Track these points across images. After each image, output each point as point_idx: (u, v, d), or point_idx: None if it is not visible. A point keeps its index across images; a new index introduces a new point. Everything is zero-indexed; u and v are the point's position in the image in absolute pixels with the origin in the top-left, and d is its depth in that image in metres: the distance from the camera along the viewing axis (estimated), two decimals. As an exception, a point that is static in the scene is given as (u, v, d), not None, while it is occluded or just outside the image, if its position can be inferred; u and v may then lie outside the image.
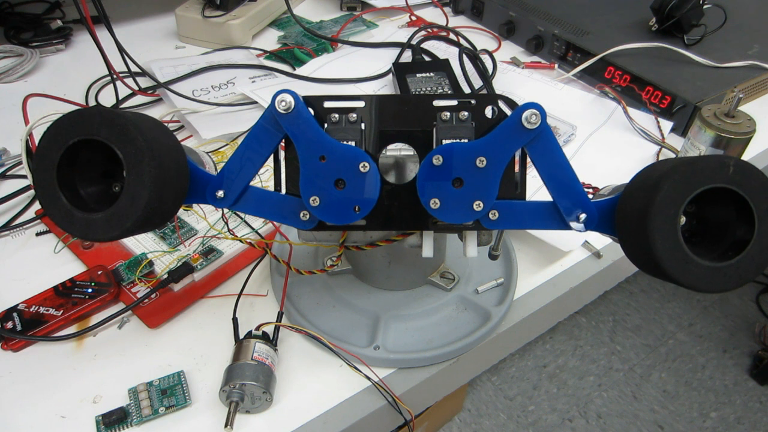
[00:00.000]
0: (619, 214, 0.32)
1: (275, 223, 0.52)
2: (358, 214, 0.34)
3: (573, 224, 0.34)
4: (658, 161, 0.32)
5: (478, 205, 0.33)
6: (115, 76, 0.66)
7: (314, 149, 0.33)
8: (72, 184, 0.31)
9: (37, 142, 0.48)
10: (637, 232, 0.29)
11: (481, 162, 0.33)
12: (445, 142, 0.34)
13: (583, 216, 0.34)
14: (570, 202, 0.34)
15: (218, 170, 0.36)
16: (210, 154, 0.41)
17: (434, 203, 0.33)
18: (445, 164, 0.33)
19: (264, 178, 0.58)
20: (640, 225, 0.29)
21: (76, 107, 0.57)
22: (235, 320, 0.45)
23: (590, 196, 0.35)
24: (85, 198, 0.31)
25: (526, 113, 0.32)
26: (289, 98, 0.33)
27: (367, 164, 0.33)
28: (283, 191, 0.36)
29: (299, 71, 0.77)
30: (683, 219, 0.30)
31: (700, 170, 0.28)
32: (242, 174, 0.35)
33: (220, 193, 0.35)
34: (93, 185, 0.32)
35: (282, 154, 0.36)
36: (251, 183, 0.36)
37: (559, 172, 0.34)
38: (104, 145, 0.29)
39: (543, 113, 0.32)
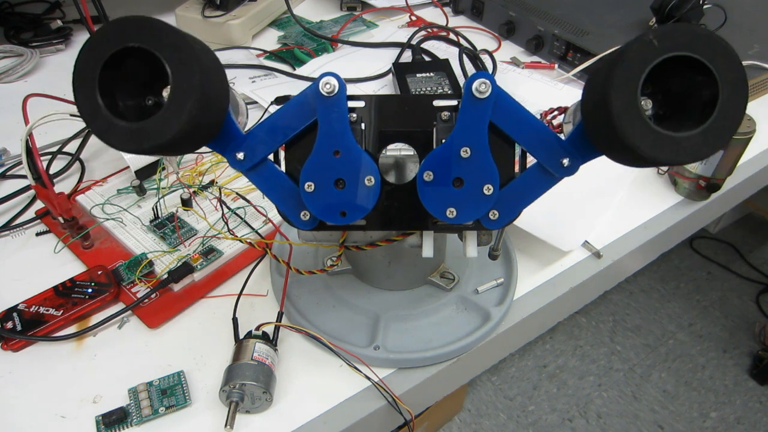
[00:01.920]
0: (589, 131, 0.32)
1: (275, 222, 0.52)
2: (344, 218, 0.34)
3: (561, 172, 0.34)
4: (595, 69, 0.31)
5: (488, 189, 0.33)
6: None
7: (334, 142, 0.33)
8: (111, 96, 0.29)
9: (36, 141, 0.48)
10: (611, 137, 0.29)
11: (465, 152, 0.33)
12: (444, 142, 0.34)
13: (566, 161, 0.34)
14: (548, 152, 0.34)
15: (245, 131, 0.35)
16: (247, 105, 0.40)
17: (450, 212, 0.33)
18: (437, 174, 0.33)
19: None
20: (610, 130, 0.29)
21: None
22: (235, 320, 0.45)
23: (561, 135, 0.35)
24: (123, 111, 0.30)
25: (475, 84, 0.32)
26: (335, 82, 0.32)
27: (372, 179, 0.33)
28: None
29: (299, 71, 0.77)
30: (650, 104, 0.30)
31: (633, 57, 0.28)
32: (265, 144, 0.34)
33: (240, 155, 0.34)
34: (130, 98, 0.30)
35: (282, 154, 0.36)
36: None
37: (528, 129, 0.33)
38: (145, 58, 0.28)
39: (491, 79, 0.32)
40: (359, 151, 0.33)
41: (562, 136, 0.34)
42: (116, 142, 0.29)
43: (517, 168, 0.36)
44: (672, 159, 0.29)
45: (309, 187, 0.34)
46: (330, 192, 0.34)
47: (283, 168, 0.36)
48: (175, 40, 0.28)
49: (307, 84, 0.72)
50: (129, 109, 0.30)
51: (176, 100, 0.28)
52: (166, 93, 0.28)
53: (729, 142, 0.54)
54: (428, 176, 0.33)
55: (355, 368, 0.42)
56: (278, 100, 0.65)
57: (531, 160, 0.35)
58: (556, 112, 0.41)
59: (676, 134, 0.28)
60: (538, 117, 0.38)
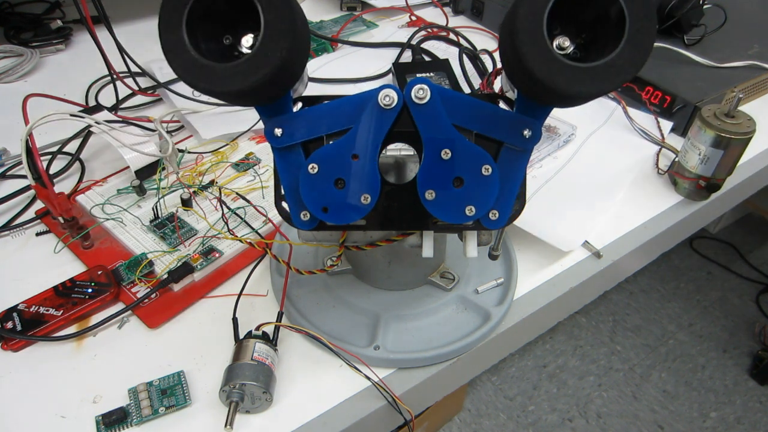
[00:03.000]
0: (513, 81, 0.32)
1: (275, 222, 0.52)
2: (325, 214, 0.34)
3: (526, 144, 0.34)
4: (504, 20, 0.31)
5: (486, 170, 0.33)
6: (115, 76, 0.66)
7: (363, 148, 0.33)
8: (195, 35, 0.29)
9: (36, 141, 0.48)
10: (532, 82, 0.29)
11: (446, 154, 0.33)
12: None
13: (526, 132, 0.33)
14: (507, 129, 0.33)
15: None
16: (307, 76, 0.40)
17: (470, 210, 0.33)
18: (437, 188, 0.33)
19: (264, 179, 0.58)
20: (528, 75, 0.29)
21: (77, 107, 0.57)
22: (235, 320, 0.45)
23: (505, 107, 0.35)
24: (205, 53, 0.30)
25: (413, 91, 0.32)
26: (395, 96, 0.33)
27: (368, 198, 0.33)
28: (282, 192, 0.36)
29: (299, 71, 0.77)
30: (567, 41, 0.30)
31: None
32: (308, 129, 0.34)
33: (278, 131, 0.34)
34: (212, 41, 0.30)
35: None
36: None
37: (478, 115, 0.33)
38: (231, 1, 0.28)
39: (428, 82, 0.32)
40: (374, 169, 0.33)
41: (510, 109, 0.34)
42: (204, 84, 0.29)
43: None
44: (593, 90, 0.28)
45: (312, 168, 0.33)
46: (327, 183, 0.33)
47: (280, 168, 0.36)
48: None
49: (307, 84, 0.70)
50: (210, 50, 0.30)
51: (271, 41, 0.28)
52: (246, 40, 0.29)
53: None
54: (430, 195, 0.33)
55: (355, 368, 0.42)
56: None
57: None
58: (492, 75, 0.41)
59: (591, 64, 0.28)
60: (479, 90, 0.38)
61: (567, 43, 0.30)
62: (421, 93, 0.32)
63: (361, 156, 0.33)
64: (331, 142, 0.34)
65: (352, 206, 0.34)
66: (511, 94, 0.35)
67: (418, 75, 0.71)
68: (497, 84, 0.39)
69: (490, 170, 0.33)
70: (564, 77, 0.28)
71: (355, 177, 0.33)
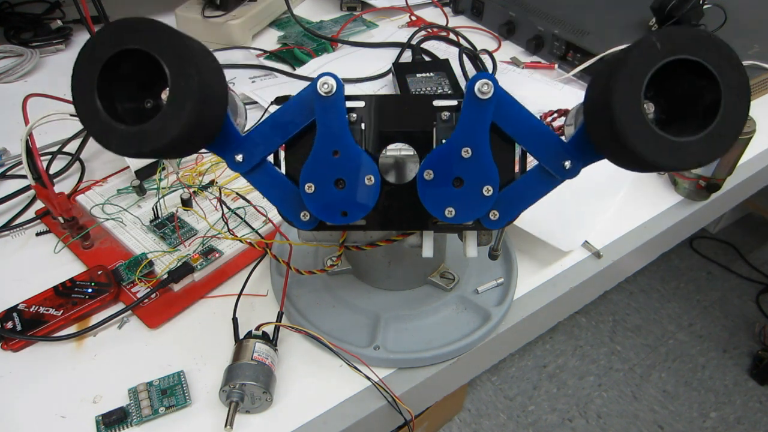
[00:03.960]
0: (591, 134, 0.32)
1: (275, 222, 0.52)
2: (345, 217, 0.34)
3: (562, 174, 0.34)
4: (597, 71, 0.31)
5: (488, 191, 0.33)
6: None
7: (333, 142, 0.33)
8: (108, 89, 0.29)
9: (36, 141, 0.48)
10: (614, 141, 0.29)
11: (466, 152, 0.33)
12: (445, 142, 0.34)
13: (567, 163, 0.34)
14: (550, 154, 0.34)
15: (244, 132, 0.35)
16: (246, 105, 0.40)
17: (449, 212, 0.33)
18: (437, 173, 0.33)
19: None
20: (612, 133, 0.28)
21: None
22: (235, 320, 0.45)
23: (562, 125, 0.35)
24: (122, 114, 0.30)
25: (478, 85, 0.32)
26: (332, 82, 0.32)
27: (372, 178, 0.33)
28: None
29: (299, 71, 0.77)
30: (652, 107, 0.29)
31: (637, 60, 0.28)
32: (264, 145, 0.34)
33: (239, 157, 0.34)
34: (127, 95, 0.30)
35: (282, 154, 0.36)
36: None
37: (529, 131, 0.33)
38: (143, 60, 0.28)
39: (493, 80, 0.32)
40: (358, 151, 0.33)
41: (563, 138, 0.34)
42: (115, 146, 0.29)
43: (516, 168, 0.36)
44: (673, 164, 0.28)
45: (309, 188, 0.34)
46: (330, 192, 0.34)
47: (283, 168, 0.36)
48: (174, 41, 0.28)
49: (307, 84, 0.71)
50: (128, 112, 0.30)
51: (176, 102, 0.28)
52: (165, 95, 0.28)
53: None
54: (428, 175, 0.33)
55: (355, 368, 0.42)
56: (278, 100, 0.65)
57: (531, 161, 0.35)
58: (555, 114, 0.41)
59: (678, 139, 0.28)
60: (538, 118, 0.38)
61: (651, 108, 0.30)
62: (485, 88, 0.32)
63: (339, 149, 0.33)
64: (310, 156, 0.33)
65: (363, 194, 0.33)
66: (570, 130, 0.35)
67: (417, 75, 0.71)
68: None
69: (491, 192, 0.33)
70: (653, 148, 0.28)
71: (347, 168, 0.33)
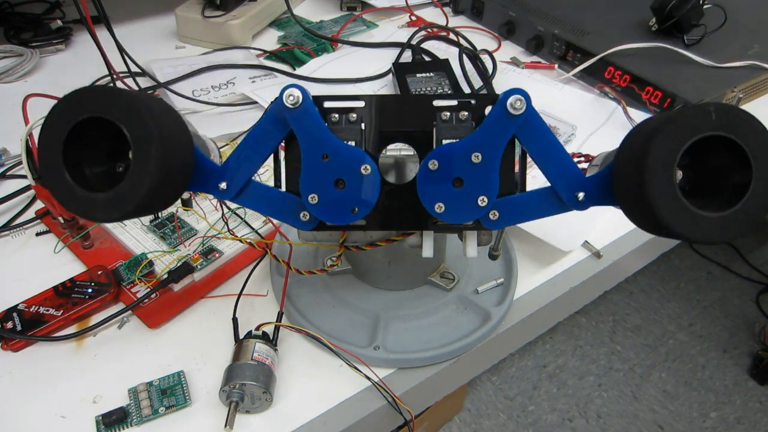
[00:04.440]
0: (616, 182, 0.31)
1: (275, 222, 0.52)
2: (356, 215, 0.34)
3: (573, 205, 0.34)
4: (641, 122, 0.31)
5: (482, 201, 0.33)
6: (115, 76, 0.66)
7: (318, 147, 0.33)
8: (77, 162, 0.30)
9: (37, 140, 0.48)
10: (637, 198, 0.29)
11: (476, 157, 0.33)
12: (445, 142, 0.34)
13: (581, 195, 0.33)
14: (566, 182, 0.34)
15: (223, 161, 0.35)
16: (215, 140, 0.40)
17: (439, 207, 0.33)
18: (441, 167, 0.33)
19: (264, 178, 0.58)
20: (639, 191, 0.28)
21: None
22: (235, 320, 0.45)
23: (583, 168, 0.35)
24: (89, 177, 0.30)
25: (511, 99, 0.32)
26: (297, 93, 0.33)
27: (368, 167, 0.33)
28: (283, 189, 0.36)
29: (299, 71, 0.77)
30: (680, 174, 0.29)
31: (685, 123, 0.28)
32: (245, 167, 0.34)
33: (223, 185, 0.34)
34: (97, 164, 0.31)
35: (282, 154, 0.36)
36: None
37: (551, 155, 0.33)
38: (113, 124, 0.29)
39: (527, 97, 0.32)
40: (346, 147, 0.33)
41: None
42: (100, 215, 0.29)
43: (516, 168, 0.36)
44: (692, 236, 0.28)
45: (313, 199, 0.34)
46: (333, 195, 0.34)
47: (283, 168, 0.36)
48: (126, 101, 0.28)
49: (307, 84, 0.71)
50: (100, 177, 0.31)
51: (141, 157, 0.28)
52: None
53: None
54: (433, 165, 0.33)
55: (355, 368, 0.42)
56: (278, 100, 0.65)
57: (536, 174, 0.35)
58: (582, 159, 0.41)
59: (702, 212, 0.28)
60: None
61: (679, 175, 0.29)
62: (518, 104, 0.32)
63: (327, 152, 0.33)
64: (302, 169, 0.34)
65: (366, 188, 0.33)
66: (592, 170, 0.35)
67: (417, 75, 0.71)
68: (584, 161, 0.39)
69: (485, 203, 0.33)
70: (676, 216, 0.28)
71: (342, 167, 0.33)
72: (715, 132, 0.28)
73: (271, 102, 0.34)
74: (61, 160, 0.29)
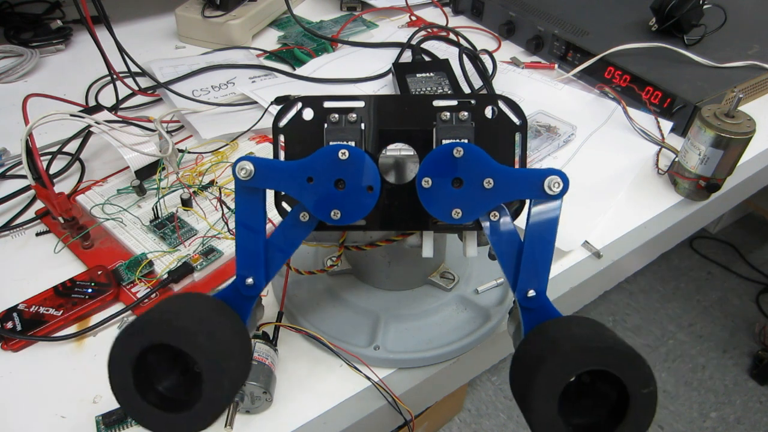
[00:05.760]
0: (511, 374, 0.32)
1: (275, 222, 0.52)
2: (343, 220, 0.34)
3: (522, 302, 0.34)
4: (532, 336, 0.33)
5: (456, 213, 0.33)
6: (115, 76, 0.66)
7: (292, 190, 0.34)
8: (149, 383, 0.30)
9: (36, 141, 0.48)
10: (522, 409, 0.31)
11: (488, 183, 0.33)
12: (445, 142, 0.34)
13: (531, 292, 0.34)
14: (530, 277, 0.34)
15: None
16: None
17: (426, 182, 0.33)
18: (461, 160, 0.33)
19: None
20: (523, 407, 0.30)
21: (77, 107, 0.57)
22: (235, 320, 0.45)
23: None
24: (163, 392, 0.31)
25: (549, 179, 0.32)
26: (250, 166, 0.33)
27: (346, 152, 0.32)
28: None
29: (299, 71, 0.77)
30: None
31: (566, 359, 0.29)
32: (276, 258, 0.34)
33: (250, 281, 0.34)
34: (167, 377, 0.31)
35: (282, 154, 0.36)
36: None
37: (541, 250, 0.34)
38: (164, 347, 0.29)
39: (566, 182, 0.32)
40: (313, 158, 0.33)
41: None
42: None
43: (516, 165, 0.36)
44: None
45: (335, 215, 0.33)
46: (331, 192, 0.33)
47: (282, 159, 0.36)
48: (196, 337, 0.28)
49: (307, 84, 0.71)
50: (173, 389, 0.31)
51: (213, 386, 0.29)
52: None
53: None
54: (458, 152, 0.32)
55: (355, 368, 0.42)
56: (278, 100, 0.65)
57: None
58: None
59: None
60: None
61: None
62: (556, 187, 0.33)
63: (312, 174, 0.33)
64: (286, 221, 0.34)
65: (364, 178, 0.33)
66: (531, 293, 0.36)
67: (417, 75, 0.71)
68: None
69: (492, 183, 0.33)
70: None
71: (326, 169, 0.33)
72: (586, 368, 0.28)
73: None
74: (135, 391, 0.29)
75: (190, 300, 0.31)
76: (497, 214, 0.34)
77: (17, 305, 0.45)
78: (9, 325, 0.44)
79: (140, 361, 0.29)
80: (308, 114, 0.36)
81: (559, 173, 0.32)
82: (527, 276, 0.34)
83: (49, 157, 0.61)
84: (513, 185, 0.33)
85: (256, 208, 0.34)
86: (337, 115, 0.35)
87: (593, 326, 0.31)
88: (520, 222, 0.35)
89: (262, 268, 0.34)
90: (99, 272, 0.48)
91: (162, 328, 0.28)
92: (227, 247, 0.50)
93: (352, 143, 0.34)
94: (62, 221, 0.50)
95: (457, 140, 0.34)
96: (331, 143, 0.34)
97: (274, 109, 0.64)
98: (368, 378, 0.41)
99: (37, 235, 0.53)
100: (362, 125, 0.35)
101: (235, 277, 0.34)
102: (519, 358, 0.32)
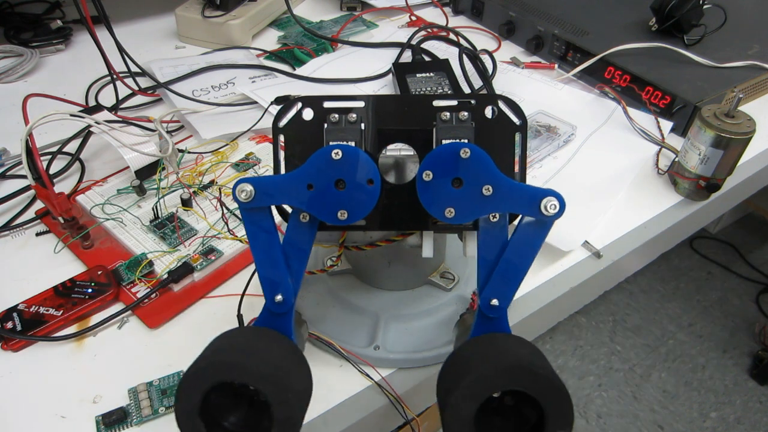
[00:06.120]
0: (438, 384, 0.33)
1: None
2: (345, 220, 0.34)
3: (484, 308, 0.35)
4: (478, 341, 0.33)
5: (449, 212, 0.33)
6: (115, 76, 0.66)
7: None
8: (216, 422, 0.31)
9: (36, 141, 0.48)
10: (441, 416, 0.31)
11: (487, 190, 0.33)
12: (444, 142, 0.34)
13: (495, 301, 0.34)
14: (500, 287, 0.34)
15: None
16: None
17: (426, 175, 0.33)
18: (466, 162, 0.32)
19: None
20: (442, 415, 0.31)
21: (77, 107, 0.57)
22: (240, 317, 0.44)
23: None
24: (230, 427, 0.31)
25: (547, 200, 0.32)
26: (249, 187, 0.33)
27: (339, 151, 0.32)
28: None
29: (299, 71, 0.77)
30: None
31: (464, 396, 0.29)
32: (275, 267, 0.34)
33: (279, 298, 0.34)
34: (232, 412, 0.32)
35: (282, 154, 0.36)
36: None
37: (519, 264, 0.34)
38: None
39: (562, 206, 0.33)
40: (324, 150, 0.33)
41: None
42: None
43: (516, 168, 0.36)
44: None
45: (304, 218, 0.34)
46: (332, 193, 0.33)
47: (282, 169, 0.36)
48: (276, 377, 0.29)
49: (307, 84, 0.71)
50: (235, 423, 0.32)
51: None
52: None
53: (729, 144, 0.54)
54: (465, 153, 0.32)
55: (356, 367, 0.42)
56: (278, 100, 0.65)
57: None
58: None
59: None
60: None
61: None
62: (552, 209, 0.33)
63: (311, 181, 0.33)
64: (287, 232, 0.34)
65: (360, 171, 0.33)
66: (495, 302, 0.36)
67: (417, 75, 0.71)
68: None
69: (491, 190, 0.33)
70: None
71: (324, 174, 0.33)
72: (501, 390, 0.29)
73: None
74: (201, 424, 0.30)
75: (233, 335, 0.32)
76: (497, 216, 0.34)
77: (17, 305, 0.45)
78: (9, 325, 0.44)
79: (204, 404, 0.29)
80: (308, 114, 0.36)
81: (558, 196, 0.32)
82: (497, 285, 0.34)
83: (49, 157, 0.61)
84: (510, 198, 0.33)
85: (265, 225, 0.34)
86: (337, 115, 0.35)
87: (535, 352, 0.32)
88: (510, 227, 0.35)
89: (286, 280, 0.34)
90: (99, 272, 0.48)
91: (217, 369, 0.29)
92: (227, 247, 0.50)
93: (352, 143, 0.34)
94: (62, 221, 0.50)
95: (459, 140, 0.34)
96: (330, 143, 0.34)
97: (274, 109, 0.64)
98: (370, 377, 0.41)
99: (37, 235, 0.53)
100: (362, 125, 0.35)
101: (264, 302, 0.34)
102: (457, 356, 0.32)
